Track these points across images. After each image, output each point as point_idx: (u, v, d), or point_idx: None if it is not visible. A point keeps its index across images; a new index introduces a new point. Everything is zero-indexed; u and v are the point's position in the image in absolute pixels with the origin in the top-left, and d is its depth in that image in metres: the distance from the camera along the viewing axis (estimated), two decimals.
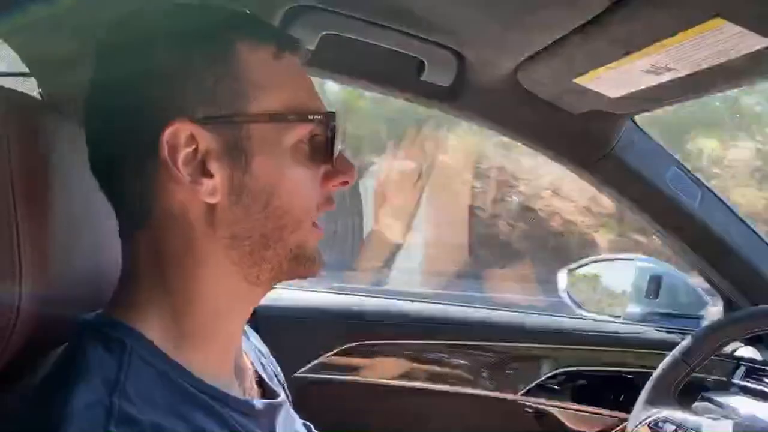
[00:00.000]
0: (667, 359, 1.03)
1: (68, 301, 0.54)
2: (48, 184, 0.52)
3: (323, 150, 0.54)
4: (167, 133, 0.48)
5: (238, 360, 0.60)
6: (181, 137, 0.49)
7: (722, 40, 0.65)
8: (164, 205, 0.50)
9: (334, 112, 0.54)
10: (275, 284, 0.57)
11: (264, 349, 0.73)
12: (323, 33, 0.88)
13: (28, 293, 0.48)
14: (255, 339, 0.72)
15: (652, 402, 1.00)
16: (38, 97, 0.97)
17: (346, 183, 0.57)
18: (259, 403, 0.57)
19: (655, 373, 1.03)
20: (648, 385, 1.03)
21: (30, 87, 0.97)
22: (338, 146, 0.55)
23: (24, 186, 0.49)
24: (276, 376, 0.69)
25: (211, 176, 0.50)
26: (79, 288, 0.57)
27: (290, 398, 0.69)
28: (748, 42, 0.64)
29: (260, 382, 0.62)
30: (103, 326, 0.50)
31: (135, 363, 0.47)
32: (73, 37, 0.91)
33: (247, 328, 0.71)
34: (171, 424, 0.45)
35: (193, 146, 0.49)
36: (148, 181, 0.50)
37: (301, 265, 0.55)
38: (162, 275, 0.51)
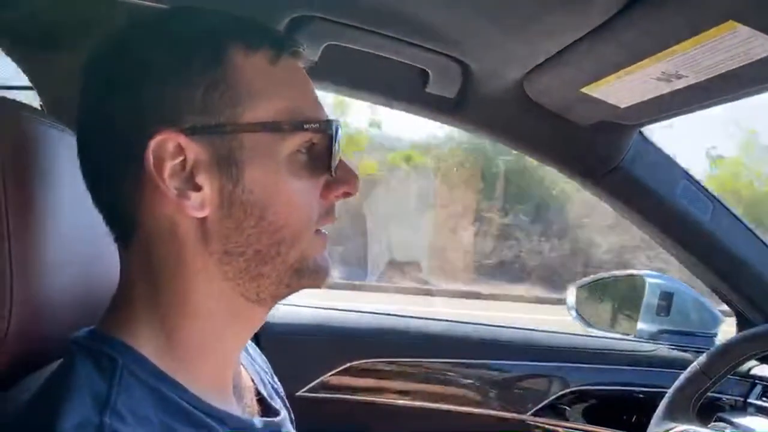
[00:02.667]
0: (687, 372, 1.00)
1: (60, 317, 0.53)
2: (42, 197, 0.51)
3: (322, 160, 0.52)
4: (153, 144, 0.47)
5: (238, 378, 0.58)
6: (168, 148, 0.47)
7: (735, 44, 0.63)
8: (153, 219, 0.49)
9: (330, 121, 0.52)
10: (278, 301, 0.54)
11: (265, 365, 0.71)
12: (326, 43, 0.87)
13: (18, 308, 0.47)
14: (256, 353, 0.70)
15: (670, 416, 0.97)
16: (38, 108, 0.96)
17: (348, 194, 0.54)
18: (258, 421, 0.55)
19: (674, 386, 1.00)
20: (666, 398, 0.99)
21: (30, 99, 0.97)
22: (337, 155, 0.52)
23: (16, 198, 0.48)
24: (276, 392, 0.67)
25: (200, 189, 0.48)
26: (72, 304, 0.55)
27: (292, 417, 0.66)
28: (762, 46, 0.63)
29: (260, 399, 0.60)
30: (95, 342, 0.48)
31: (126, 380, 0.46)
32: (74, 49, 0.91)
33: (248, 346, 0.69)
34: None
35: (181, 158, 0.48)
36: (135, 194, 0.49)
37: (304, 278, 0.52)
38: (154, 290, 0.50)
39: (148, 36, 0.51)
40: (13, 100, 0.52)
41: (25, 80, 0.96)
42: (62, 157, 0.54)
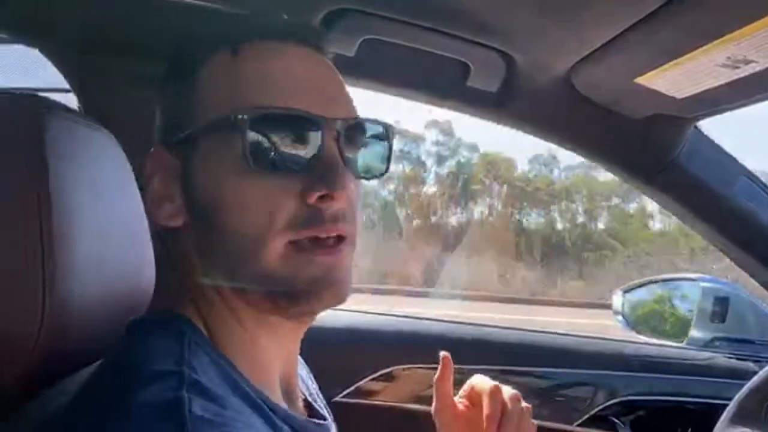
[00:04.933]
0: (760, 374, 0.94)
1: (94, 318, 0.53)
2: (77, 197, 0.50)
3: (267, 156, 0.46)
4: (149, 160, 0.51)
5: (290, 381, 0.56)
6: (158, 164, 0.50)
7: None
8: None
9: (274, 112, 0.46)
10: (303, 317, 0.51)
11: (306, 369, 0.70)
12: (363, 38, 0.85)
13: (51, 310, 0.46)
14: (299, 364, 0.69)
15: (739, 421, 0.90)
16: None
17: (328, 197, 0.47)
18: (310, 423, 0.54)
19: (745, 389, 0.94)
20: (735, 401, 0.94)
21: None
22: (308, 150, 0.46)
23: (50, 198, 0.47)
24: (319, 397, 0.67)
25: (173, 199, 0.50)
26: (105, 305, 0.55)
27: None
28: None
29: (307, 404, 0.59)
30: (158, 320, 0.49)
31: (194, 348, 0.46)
32: (112, 51, 0.91)
33: None
34: (232, 403, 0.44)
35: (166, 171, 0.50)
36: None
37: (285, 298, 0.47)
38: (186, 289, 0.51)
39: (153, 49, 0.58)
40: (48, 99, 0.52)
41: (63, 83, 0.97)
42: (99, 157, 0.54)
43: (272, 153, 0.46)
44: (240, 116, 0.46)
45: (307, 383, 0.64)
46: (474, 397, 0.64)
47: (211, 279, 0.50)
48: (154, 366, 0.43)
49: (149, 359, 0.44)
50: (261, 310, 0.49)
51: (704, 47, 0.66)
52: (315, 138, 0.47)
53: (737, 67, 0.69)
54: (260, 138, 0.46)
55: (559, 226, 13.01)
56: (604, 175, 12.18)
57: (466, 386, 0.66)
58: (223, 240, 0.48)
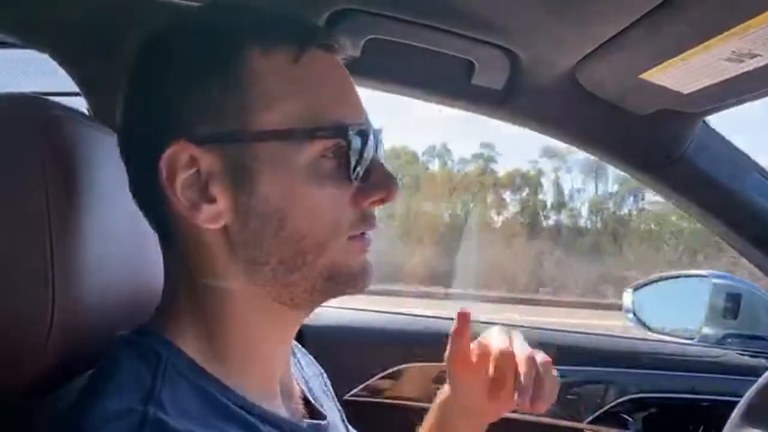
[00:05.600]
0: None
1: (103, 319, 0.53)
2: (85, 199, 0.51)
3: (344, 167, 0.48)
4: (165, 156, 0.46)
5: (286, 381, 0.57)
6: (181, 160, 0.46)
7: None
8: (181, 226, 0.49)
9: (347, 126, 0.48)
10: (317, 305, 0.52)
11: (318, 369, 0.71)
12: (368, 37, 0.86)
13: (60, 311, 0.47)
14: (305, 359, 0.70)
15: (749, 421, 0.89)
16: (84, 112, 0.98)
17: (382, 201, 0.51)
18: (305, 424, 0.55)
19: (756, 386, 0.92)
20: (745, 400, 0.92)
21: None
22: (364, 161, 0.49)
23: (58, 199, 0.48)
24: (326, 393, 0.67)
25: (214, 201, 0.47)
26: (114, 305, 0.56)
27: (344, 419, 0.67)
28: None
29: (306, 402, 0.59)
30: (141, 338, 0.49)
31: (170, 374, 0.46)
32: (119, 53, 0.92)
33: (295, 344, 0.69)
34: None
35: (194, 169, 0.47)
36: (160, 205, 0.48)
37: (339, 285, 0.50)
38: (193, 294, 0.50)
39: (163, 40, 0.50)
40: (56, 102, 0.52)
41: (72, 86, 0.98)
42: (105, 158, 0.54)
43: (338, 162, 0.48)
44: (310, 130, 0.47)
45: (310, 382, 0.64)
46: (487, 351, 0.62)
47: (243, 280, 0.49)
48: (118, 402, 0.42)
49: (116, 390, 0.44)
50: (295, 304, 0.50)
51: (708, 42, 0.65)
52: (371, 147, 0.49)
53: (742, 61, 0.68)
54: (340, 146, 0.48)
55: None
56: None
57: (479, 339, 0.64)
58: (282, 242, 0.47)
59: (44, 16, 0.91)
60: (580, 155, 13.75)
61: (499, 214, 13.85)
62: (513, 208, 14.01)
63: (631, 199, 13.85)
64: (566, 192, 14.46)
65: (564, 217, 13.94)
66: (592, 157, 1.19)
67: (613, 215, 14.00)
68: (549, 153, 14.14)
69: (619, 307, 1.45)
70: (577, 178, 14.78)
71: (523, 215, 13.74)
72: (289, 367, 0.59)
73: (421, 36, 0.85)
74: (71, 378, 0.53)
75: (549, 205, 14.08)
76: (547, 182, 14.30)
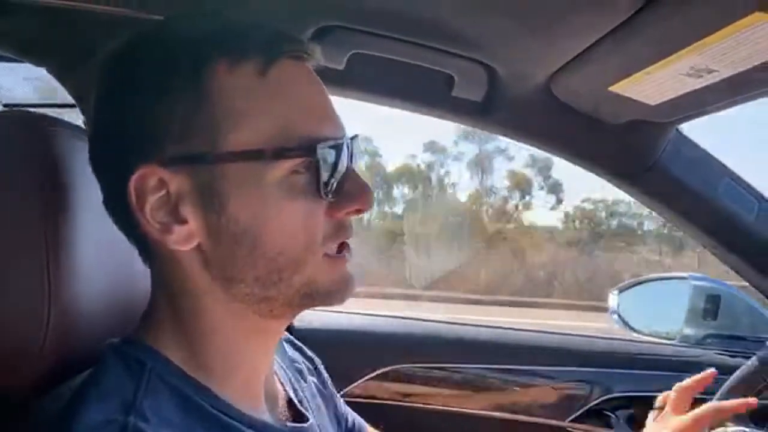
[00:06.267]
0: (743, 368, 0.96)
1: (97, 325, 0.55)
2: (80, 210, 0.53)
3: (315, 182, 0.47)
4: (134, 179, 0.45)
5: (270, 385, 0.58)
6: (149, 183, 0.46)
7: (763, 36, 0.60)
8: (155, 246, 0.49)
9: (318, 141, 0.46)
10: (296, 315, 0.54)
11: (309, 364, 0.72)
12: (352, 52, 0.88)
13: (56, 317, 0.49)
14: (289, 359, 0.70)
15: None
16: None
17: (358, 211, 0.50)
18: (287, 428, 0.55)
19: (728, 383, 0.95)
20: (718, 396, 0.95)
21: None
22: (338, 173, 0.48)
23: (54, 210, 0.50)
24: (324, 386, 0.69)
25: (185, 222, 0.46)
26: (108, 313, 0.57)
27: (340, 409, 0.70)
28: None
29: (290, 404, 0.60)
30: (126, 346, 0.50)
31: (153, 383, 0.46)
32: None
33: (288, 342, 0.71)
34: None
35: (164, 191, 0.46)
36: (133, 227, 0.48)
37: (317, 300, 0.50)
38: (173, 308, 0.50)
39: (128, 54, 0.48)
40: (50, 116, 0.55)
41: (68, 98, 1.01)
42: None
43: (324, 179, 0.47)
44: (290, 146, 0.46)
45: (297, 382, 0.65)
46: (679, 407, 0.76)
47: (221, 296, 0.49)
48: (100, 412, 0.43)
49: (100, 398, 0.44)
50: (275, 316, 0.50)
51: (668, 58, 0.69)
52: (344, 159, 0.49)
53: (701, 76, 0.72)
54: (311, 166, 0.47)
55: None
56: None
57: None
58: (257, 260, 0.47)
59: (40, 32, 0.93)
60: (462, 149, 13.06)
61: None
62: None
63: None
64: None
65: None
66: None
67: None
68: (432, 148, 13.41)
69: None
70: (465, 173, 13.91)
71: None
72: (273, 371, 0.60)
73: (402, 51, 0.88)
74: (68, 378, 0.54)
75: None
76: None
